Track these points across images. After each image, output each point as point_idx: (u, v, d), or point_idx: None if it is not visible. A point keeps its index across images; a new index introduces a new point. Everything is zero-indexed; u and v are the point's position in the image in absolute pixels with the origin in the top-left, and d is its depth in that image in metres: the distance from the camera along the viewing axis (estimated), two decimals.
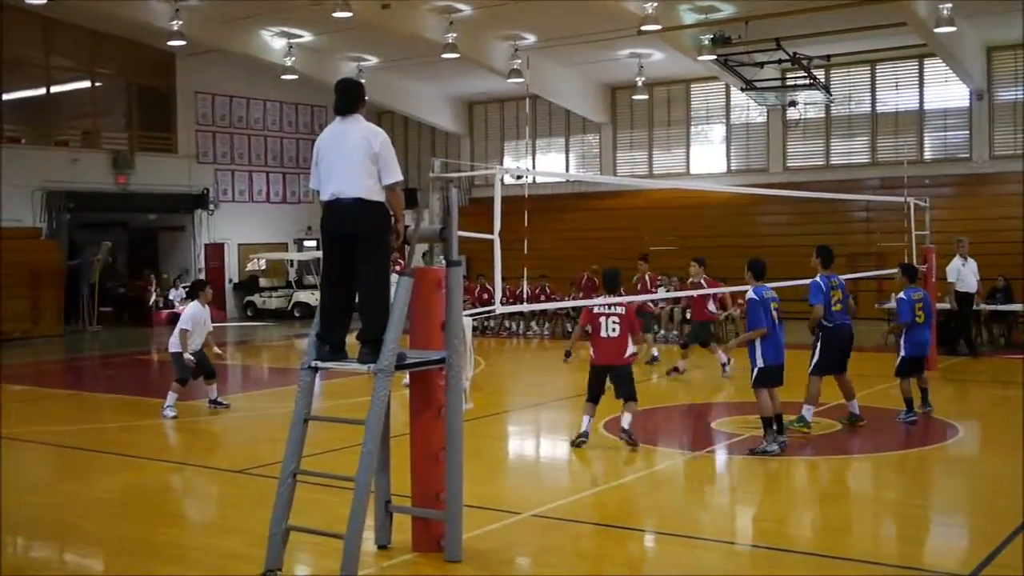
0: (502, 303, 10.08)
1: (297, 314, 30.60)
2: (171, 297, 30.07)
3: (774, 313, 10.51)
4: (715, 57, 25.16)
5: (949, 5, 21.55)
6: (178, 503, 9.54)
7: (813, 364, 11.65)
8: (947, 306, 18.88)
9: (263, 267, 32.08)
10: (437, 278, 7.12)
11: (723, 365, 15.93)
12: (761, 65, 25.66)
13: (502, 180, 9.43)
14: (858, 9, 22.14)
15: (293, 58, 27.98)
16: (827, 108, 28.62)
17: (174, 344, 13.18)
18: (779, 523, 8.32)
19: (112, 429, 13.06)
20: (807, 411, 11.46)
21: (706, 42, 24.76)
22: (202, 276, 28.04)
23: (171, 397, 13.02)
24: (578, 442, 10.76)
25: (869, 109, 28.55)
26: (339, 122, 6.94)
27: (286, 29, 27.10)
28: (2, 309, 24.70)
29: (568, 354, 13.05)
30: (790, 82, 27.00)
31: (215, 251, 32.21)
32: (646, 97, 30.45)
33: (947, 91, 27.27)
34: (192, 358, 12.96)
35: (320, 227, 7.00)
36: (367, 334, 6.72)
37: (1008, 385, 16.17)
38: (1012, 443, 11.78)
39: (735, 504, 9.24)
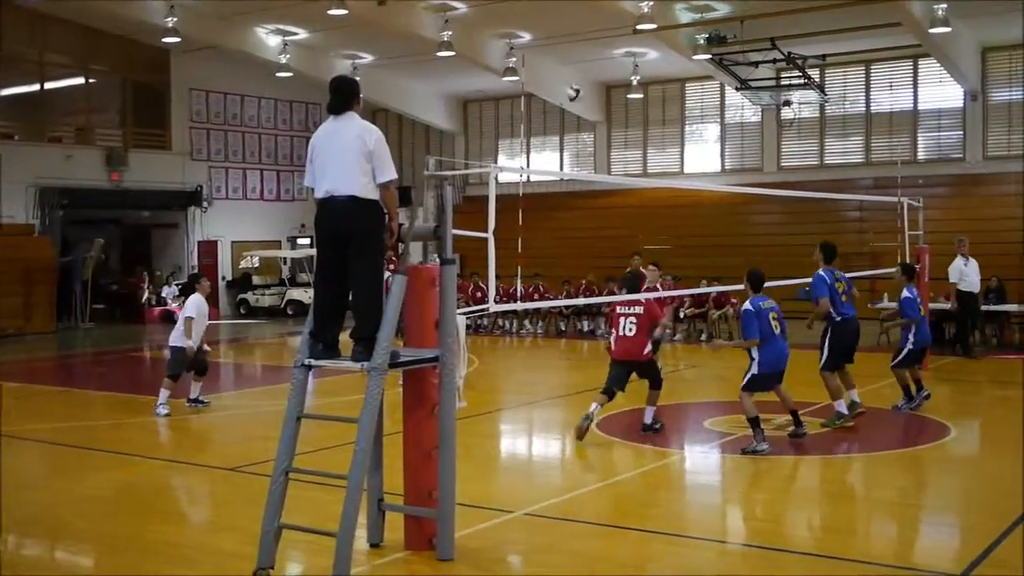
0: (496, 301, 10.05)
1: (290, 312, 30.56)
2: (164, 294, 29.98)
3: (773, 323, 10.65)
4: (710, 56, 25.17)
5: (944, 5, 21.56)
6: (170, 501, 9.52)
7: (824, 361, 11.83)
8: (943, 306, 18.97)
9: (256, 264, 32.02)
10: (431, 276, 7.11)
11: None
12: (756, 64, 25.67)
13: (496, 178, 9.42)
14: (853, 9, 22.14)
15: (288, 55, 27.94)
16: (821, 108, 28.63)
17: (175, 338, 13.13)
18: (772, 522, 8.33)
19: (104, 426, 13.04)
20: (840, 406, 11.60)
21: (701, 41, 24.76)
22: (196, 273, 27.97)
23: (163, 394, 12.99)
24: (583, 424, 10.91)
25: (863, 109, 28.56)
26: (333, 120, 6.93)
27: (281, 26, 27.05)
28: None
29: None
30: (785, 82, 27.00)
31: (208, 248, 32.14)
32: (641, 96, 30.45)
33: (941, 91, 27.28)
34: (193, 346, 12.95)
35: (314, 225, 6.99)
36: (361, 332, 6.71)
37: (1002, 385, 16.20)
38: (1005, 442, 11.83)
39: (728, 503, 9.24)
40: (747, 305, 10.76)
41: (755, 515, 8.66)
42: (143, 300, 30.05)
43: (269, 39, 27.90)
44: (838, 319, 11.83)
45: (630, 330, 11.27)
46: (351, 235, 6.72)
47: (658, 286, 15.79)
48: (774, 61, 25.46)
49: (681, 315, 22.86)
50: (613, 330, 11.57)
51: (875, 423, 11.99)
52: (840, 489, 9.66)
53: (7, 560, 7.34)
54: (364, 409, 6.43)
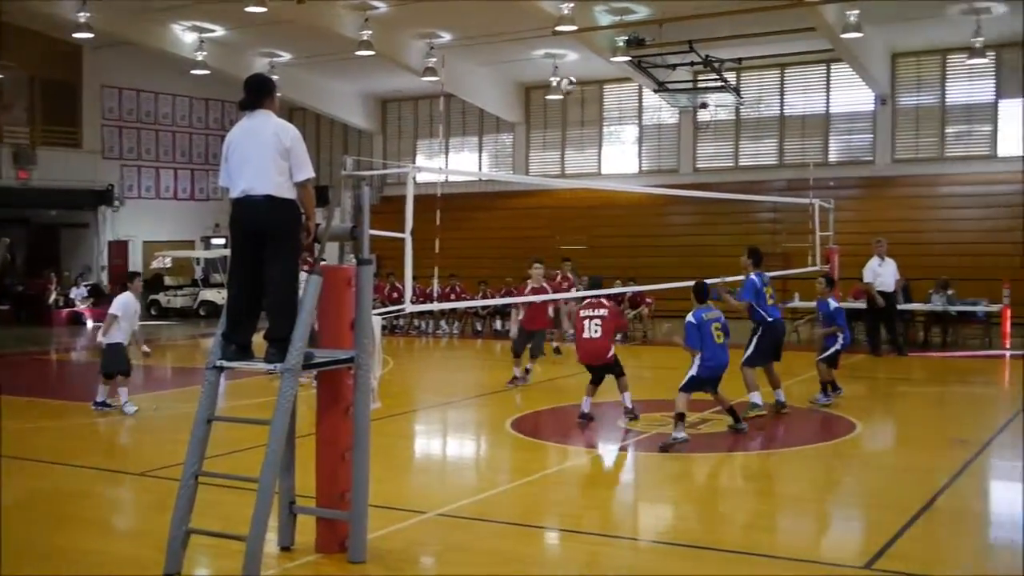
0: (412, 302, 10.04)
1: (203, 313, 30.11)
2: (72, 296, 29.31)
3: (716, 333, 11.06)
4: (629, 58, 25.41)
5: (856, 12, 22.08)
6: (77, 507, 9.28)
7: (747, 356, 12.31)
8: (853, 306, 19.41)
9: (168, 265, 31.50)
10: (347, 276, 7.07)
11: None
12: (674, 67, 25.97)
13: (414, 179, 9.42)
14: (769, 14, 22.53)
15: (204, 52, 27.55)
16: (737, 110, 29.08)
17: (110, 336, 12.83)
18: (682, 519, 8.45)
19: (9, 431, 12.70)
20: (755, 396, 12.12)
21: (620, 43, 24.98)
22: (104, 275, 27.50)
23: (124, 393, 12.75)
24: (583, 423, 11.85)
25: (777, 112, 29.08)
26: (248, 118, 6.85)
27: (198, 23, 26.66)
28: None
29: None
30: (701, 84, 27.38)
31: (119, 249, 31.56)
32: (560, 97, 30.59)
33: (853, 95, 27.91)
34: (124, 343, 12.72)
35: (229, 224, 6.90)
36: (274, 333, 6.65)
37: (906, 382, 16.63)
38: (909, 437, 12.22)
39: (641, 501, 9.34)
40: (690, 317, 11.15)
41: (666, 512, 8.76)
42: (50, 302, 29.31)
43: (185, 36, 27.49)
44: (770, 320, 12.41)
45: (595, 332, 11.84)
46: (267, 235, 6.65)
47: (545, 285, 15.83)
48: (691, 64, 25.80)
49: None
50: (576, 333, 12.18)
51: (785, 420, 12.24)
52: (749, 485, 9.82)
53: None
54: (276, 410, 6.37)
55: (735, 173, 29.07)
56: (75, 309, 28.34)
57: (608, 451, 11.22)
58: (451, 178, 30.72)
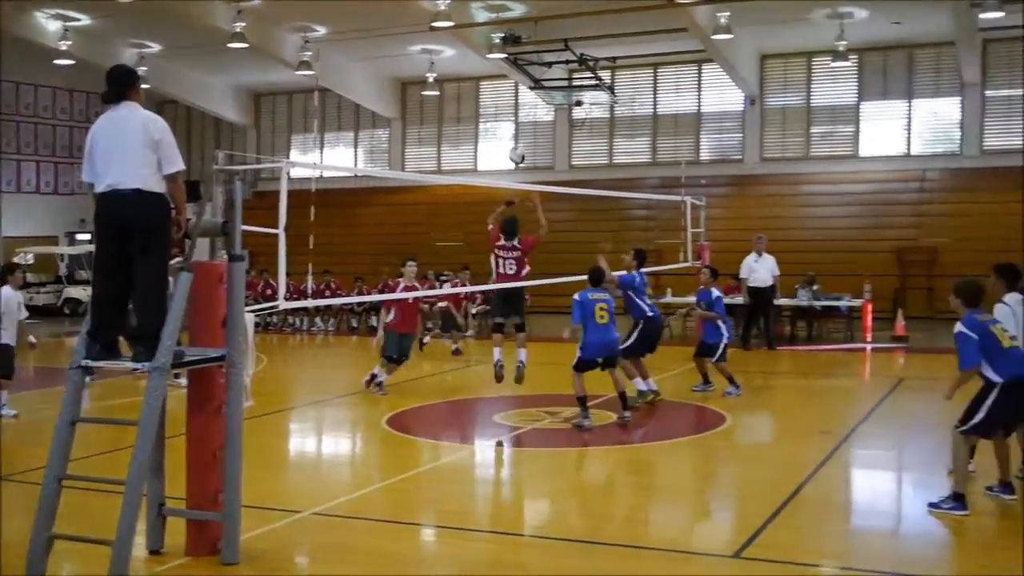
0: (286, 299, 9.89)
1: (67, 311, 29.16)
2: None
3: (600, 313, 11.50)
4: (505, 55, 25.51)
5: (727, 14, 22.61)
6: None
7: (626, 347, 12.65)
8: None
9: (30, 261, 30.35)
10: (219, 273, 6.93)
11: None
12: (549, 65, 26.18)
13: (288, 174, 9.27)
14: (642, 14, 22.90)
15: (69, 42, 26.62)
16: (611, 108, 29.47)
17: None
18: (557, 513, 8.54)
19: None
20: (640, 384, 12.67)
21: (497, 40, 25.07)
22: (5, 265, 26.32)
23: (3, 395, 12.13)
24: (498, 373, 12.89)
25: (651, 111, 29.57)
26: (113, 110, 6.66)
27: (62, 11, 25.73)
28: None
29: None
30: (577, 82, 27.66)
31: None
32: (437, 93, 30.57)
33: (723, 96, 28.57)
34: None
35: (94, 219, 6.65)
36: (143, 331, 6.47)
37: (772, 375, 17.11)
38: (776, 429, 12.59)
39: (515, 496, 9.42)
40: (577, 296, 11.72)
41: (541, 506, 8.84)
42: None
43: (49, 24, 26.51)
44: (650, 314, 13.11)
45: (511, 268, 13.32)
46: (135, 230, 6.46)
47: (416, 284, 15.77)
48: (567, 62, 26.05)
49: (474, 311, 23.10)
50: (495, 268, 13.53)
51: (658, 414, 12.48)
52: (622, 479, 9.97)
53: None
54: (144, 410, 6.21)
55: (610, 170, 29.47)
56: None
57: (485, 446, 11.26)
58: (326, 173, 30.41)
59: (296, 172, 22.76)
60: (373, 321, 24.64)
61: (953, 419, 8.17)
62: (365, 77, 30.58)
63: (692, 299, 17.56)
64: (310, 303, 18.65)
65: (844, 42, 24.30)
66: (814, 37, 25.61)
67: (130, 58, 27.42)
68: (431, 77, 29.03)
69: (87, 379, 6.64)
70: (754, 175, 27.97)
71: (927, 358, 18.23)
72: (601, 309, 11.54)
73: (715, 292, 14.01)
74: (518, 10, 24.01)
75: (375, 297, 20.81)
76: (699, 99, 29.08)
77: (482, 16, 24.42)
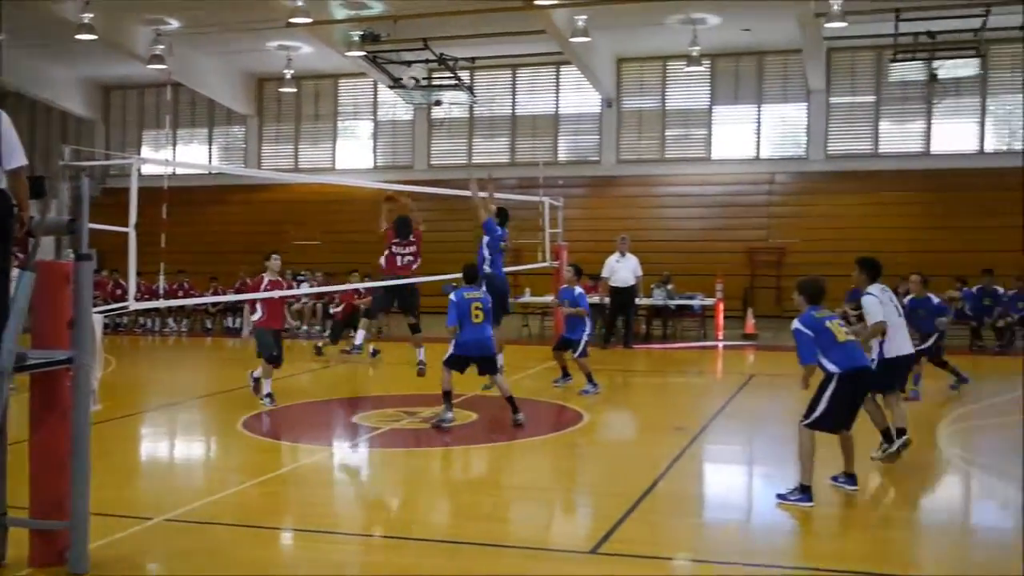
0: (136, 299, 9.61)
1: None
2: None
3: (475, 312, 11.51)
4: (364, 54, 25.32)
5: (584, 17, 22.91)
6: None
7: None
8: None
9: None
10: (64, 273, 6.68)
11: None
12: (408, 64, 26.11)
13: (139, 170, 9.02)
14: (501, 15, 23.02)
15: None
16: (471, 109, 29.54)
17: None
18: (417, 513, 8.51)
19: None
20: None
21: (355, 38, 24.86)
22: None
23: None
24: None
25: (510, 111, 29.75)
26: None
27: None
28: None
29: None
30: (436, 82, 27.64)
31: None
32: (294, 90, 30.13)
33: (581, 97, 28.94)
34: None
35: None
36: None
37: (628, 373, 17.43)
38: (631, 426, 12.84)
39: (374, 497, 9.34)
40: (452, 296, 11.69)
41: (400, 507, 8.80)
42: None
43: None
44: (488, 270, 13.54)
45: (408, 260, 13.85)
46: None
47: (280, 278, 15.53)
48: (426, 61, 26.00)
49: (330, 311, 22.89)
50: (389, 263, 13.91)
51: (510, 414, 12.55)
52: (481, 478, 10.02)
53: None
54: None
55: (469, 170, 29.49)
56: None
57: (343, 448, 11.15)
58: (179, 171, 29.63)
59: (148, 169, 22.19)
60: (229, 322, 24.21)
61: (797, 414, 8.47)
62: (220, 72, 29.93)
63: (550, 299, 17.77)
64: (162, 304, 18.16)
65: (697, 47, 24.89)
66: (669, 42, 26.16)
67: None
68: (288, 74, 28.59)
69: None
70: (611, 176, 28.42)
71: (775, 355, 18.84)
72: (476, 308, 11.55)
73: (578, 289, 14.30)
74: (377, 8, 23.85)
75: (236, 297, 20.42)
76: (557, 101, 29.40)
77: (340, 13, 24.18)
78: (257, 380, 13.01)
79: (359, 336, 14.74)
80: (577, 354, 13.97)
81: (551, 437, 11.57)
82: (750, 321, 21.56)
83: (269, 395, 12.74)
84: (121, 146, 32.46)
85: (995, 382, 15.66)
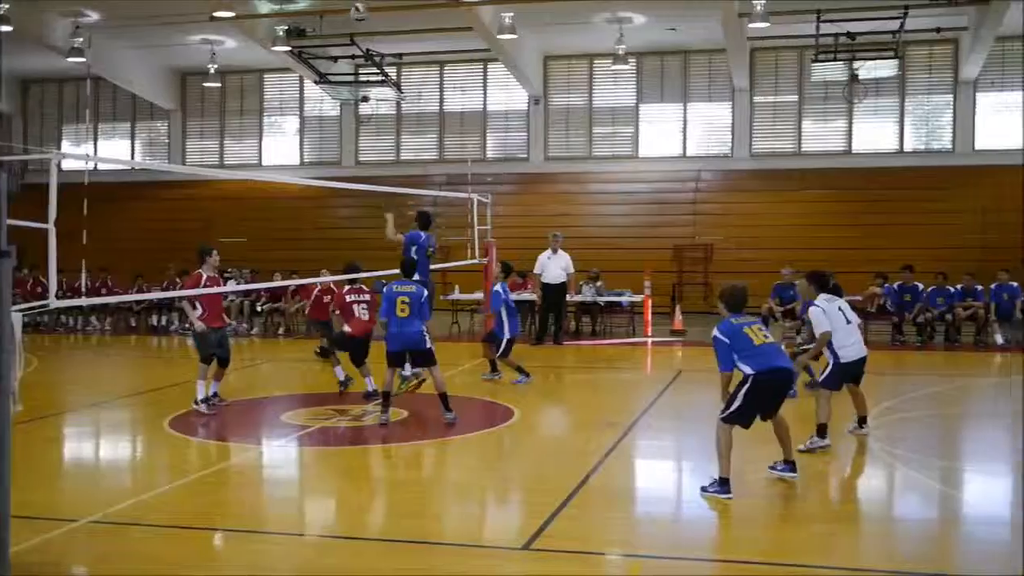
0: (57, 297, 9.39)
1: None
2: None
3: (401, 306, 11.44)
4: (289, 49, 25.06)
5: (511, 15, 22.93)
6: None
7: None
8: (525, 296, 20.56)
9: None
10: None
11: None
12: (335, 59, 25.91)
13: (59, 165, 8.81)
14: (428, 12, 22.94)
15: None
16: (398, 105, 29.40)
17: None
18: (350, 511, 8.46)
19: None
20: (405, 371, 12.58)
21: (281, 33, 24.59)
22: None
23: None
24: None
25: (437, 108, 29.68)
26: None
27: None
28: None
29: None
30: (363, 78, 27.46)
31: None
32: (218, 85, 29.73)
33: (509, 95, 28.97)
34: None
35: None
36: None
37: (559, 370, 17.50)
38: (563, 422, 12.90)
39: (305, 496, 9.25)
40: (384, 289, 11.74)
41: (332, 506, 8.74)
42: None
43: None
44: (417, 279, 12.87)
45: (364, 314, 13.28)
46: None
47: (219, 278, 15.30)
48: (353, 57, 25.83)
49: (258, 309, 22.68)
50: (346, 316, 13.34)
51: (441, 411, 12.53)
52: (413, 475, 9.97)
53: None
54: None
55: (397, 167, 29.43)
56: None
57: (272, 447, 11.03)
58: (101, 166, 29.09)
59: (68, 164, 21.75)
60: (154, 320, 23.82)
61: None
62: (142, 66, 29.40)
63: (480, 296, 17.78)
64: (84, 301, 17.78)
65: (623, 46, 25.04)
66: (595, 40, 26.30)
67: None
68: (212, 68, 28.16)
69: None
70: (540, 173, 28.50)
71: (703, 351, 18.95)
72: (403, 302, 11.46)
73: (495, 287, 14.64)
74: (302, 3, 23.61)
75: (158, 295, 20.06)
76: (485, 98, 29.39)
77: (265, 8, 23.89)
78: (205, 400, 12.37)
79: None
80: (499, 354, 14.24)
81: (483, 434, 11.56)
82: (678, 318, 21.78)
83: (205, 400, 12.28)
84: (40, 141, 31.73)
85: (916, 376, 16.02)
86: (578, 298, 21.54)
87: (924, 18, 22.91)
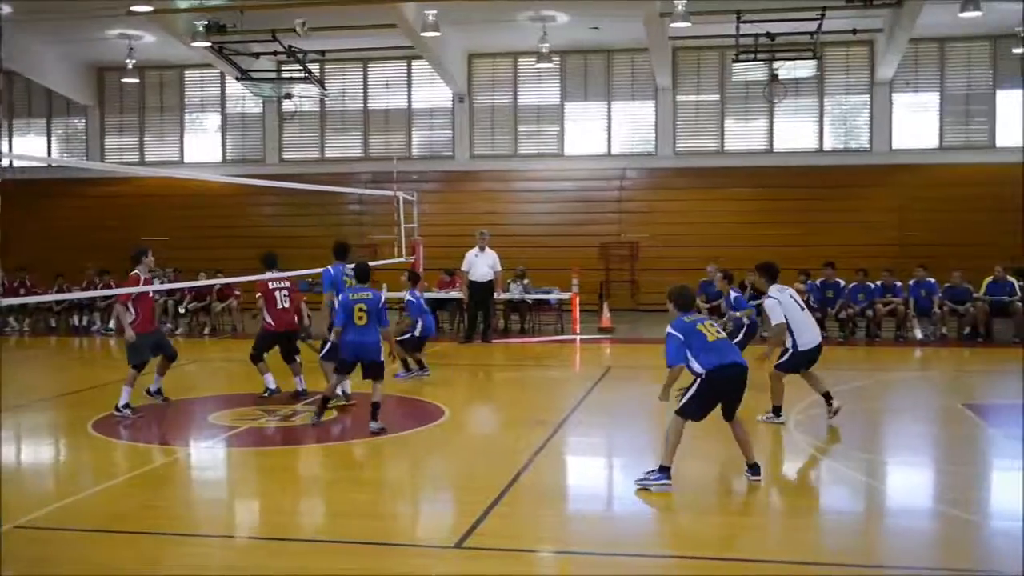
0: None
1: None
2: None
3: (359, 314, 11.17)
4: (210, 44, 24.71)
5: (434, 12, 22.88)
6: None
7: (325, 352, 12.54)
8: (440, 295, 20.55)
9: None
10: None
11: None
12: (257, 56, 25.60)
13: None
14: (351, 8, 22.78)
15: None
16: (322, 102, 29.15)
17: None
18: (281, 512, 8.39)
19: None
20: (344, 387, 12.45)
21: (200, 28, 24.22)
22: None
23: None
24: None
25: (362, 105, 29.50)
26: None
27: None
28: None
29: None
30: (286, 75, 27.17)
31: None
32: (137, 81, 29.19)
33: (433, 92, 28.89)
34: None
35: None
36: None
37: (488, 368, 17.55)
38: (493, 420, 12.94)
39: (235, 497, 9.17)
40: (340, 296, 11.62)
41: (263, 507, 8.66)
42: None
43: None
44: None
45: (285, 302, 13.18)
46: None
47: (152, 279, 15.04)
48: (275, 53, 25.55)
49: (182, 309, 22.37)
50: (269, 304, 13.14)
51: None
52: (343, 475, 9.91)
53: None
54: None
55: (322, 165, 29.20)
56: None
57: (199, 448, 10.89)
58: (16, 163, 28.41)
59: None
60: (75, 321, 23.36)
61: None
62: (57, 61, 28.73)
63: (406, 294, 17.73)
64: (2, 302, 17.39)
65: (547, 44, 25.13)
66: (519, 38, 26.34)
67: None
68: (130, 64, 27.59)
69: None
70: (465, 171, 28.48)
71: (631, 347, 19.26)
72: (360, 309, 11.13)
73: (408, 296, 15.21)
74: None
75: (79, 295, 19.67)
76: (409, 95, 29.27)
77: (184, 2, 23.52)
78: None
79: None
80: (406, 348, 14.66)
81: (413, 433, 11.53)
82: (605, 315, 21.95)
83: (128, 406, 12.01)
84: None
85: (839, 371, 16.32)
86: (506, 296, 21.59)
87: (841, 19, 23.35)
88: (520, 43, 26.80)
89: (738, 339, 13.09)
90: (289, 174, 26.69)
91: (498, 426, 12.66)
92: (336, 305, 11.66)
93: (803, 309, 10.94)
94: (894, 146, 26.64)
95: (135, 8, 21.50)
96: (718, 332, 8.71)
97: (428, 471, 10.08)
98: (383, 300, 11.45)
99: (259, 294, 13.41)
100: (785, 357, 11.05)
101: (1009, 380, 15.25)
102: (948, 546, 7.35)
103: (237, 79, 26.63)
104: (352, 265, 12.31)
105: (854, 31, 24.60)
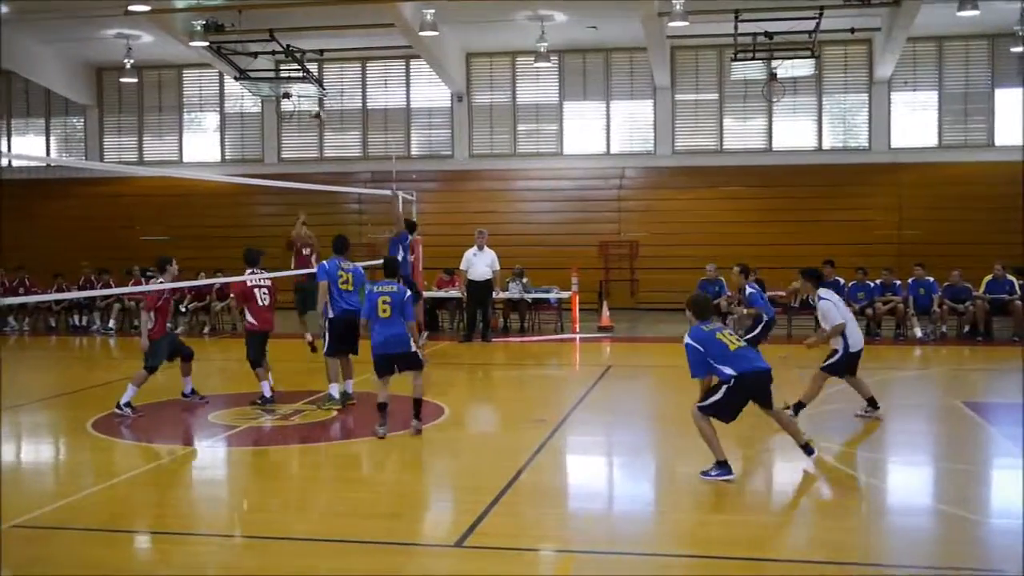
0: None
1: None
2: None
3: (383, 307, 10.88)
4: (208, 44, 24.69)
5: (432, 11, 22.87)
6: None
7: (326, 347, 12.46)
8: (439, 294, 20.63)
9: None
10: None
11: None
12: (255, 55, 25.57)
13: None
14: (350, 7, 22.77)
15: None
16: (320, 102, 29.10)
17: None
18: (279, 512, 8.38)
19: None
20: (333, 389, 12.37)
21: (198, 28, 24.20)
22: None
23: None
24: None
25: (360, 105, 29.49)
26: None
27: None
28: None
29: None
30: (284, 74, 27.14)
31: None
32: (135, 80, 29.16)
33: (432, 92, 28.87)
34: None
35: None
36: None
37: (488, 367, 17.54)
38: (493, 419, 12.93)
39: (235, 497, 9.17)
40: (365, 289, 11.45)
41: (263, 506, 8.64)
42: None
43: None
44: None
45: (266, 300, 12.92)
46: None
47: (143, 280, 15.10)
48: (273, 53, 25.52)
49: (182, 308, 22.35)
50: (251, 304, 12.87)
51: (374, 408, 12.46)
52: (344, 474, 9.92)
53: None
54: None
55: (321, 164, 29.18)
56: None
57: (199, 448, 10.89)
58: (15, 163, 28.39)
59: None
60: (75, 320, 23.35)
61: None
62: (56, 61, 28.70)
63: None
64: (1, 301, 17.39)
65: (545, 43, 25.11)
66: (517, 37, 26.32)
67: None
68: (128, 63, 27.55)
69: None
70: (464, 170, 28.47)
71: (631, 346, 19.24)
72: (384, 302, 10.89)
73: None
74: None
75: (81, 294, 19.67)
76: (408, 94, 29.25)
77: (181, 2, 23.50)
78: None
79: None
80: None
81: (410, 432, 11.52)
82: (605, 314, 21.95)
83: (129, 405, 12.03)
84: None
85: None
86: (505, 295, 21.60)
87: (839, 18, 23.35)
88: (518, 42, 26.77)
89: (755, 333, 13.15)
90: (288, 173, 26.69)
91: (498, 425, 12.66)
92: (335, 294, 11.97)
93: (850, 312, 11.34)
94: (893, 145, 26.65)
95: (133, 8, 21.47)
96: (738, 340, 8.80)
97: (428, 470, 10.08)
98: (408, 295, 11.20)
99: (232, 295, 13.23)
100: (835, 358, 11.21)
101: (1009, 378, 15.28)
102: (948, 545, 7.35)
103: (235, 79, 26.59)
104: (349, 265, 12.45)
105: (852, 30, 24.60)
